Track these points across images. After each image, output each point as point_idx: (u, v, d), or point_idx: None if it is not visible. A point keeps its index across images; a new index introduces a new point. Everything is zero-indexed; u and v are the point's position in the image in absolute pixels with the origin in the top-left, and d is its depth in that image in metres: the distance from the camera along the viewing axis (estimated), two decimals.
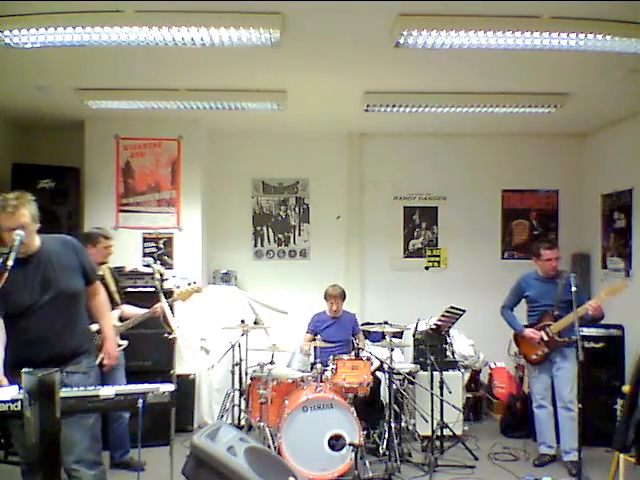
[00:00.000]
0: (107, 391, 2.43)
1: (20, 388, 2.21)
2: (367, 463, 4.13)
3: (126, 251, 5.37)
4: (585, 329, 4.75)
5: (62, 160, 5.54)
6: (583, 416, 3.78)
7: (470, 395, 5.50)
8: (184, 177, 5.64)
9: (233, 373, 4.74)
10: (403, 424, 4.75)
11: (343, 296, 5.10)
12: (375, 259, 6.37)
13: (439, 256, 6.44)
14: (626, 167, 5.48)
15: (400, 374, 4.78)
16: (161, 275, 3.81)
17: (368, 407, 4.62)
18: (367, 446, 4.43)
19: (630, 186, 5.38)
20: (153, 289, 3.64)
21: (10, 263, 2.59)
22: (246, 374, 4.69)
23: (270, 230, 6.35)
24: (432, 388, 4.59)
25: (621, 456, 3.54)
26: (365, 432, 4.39)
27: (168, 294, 4.11)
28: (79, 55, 3.86)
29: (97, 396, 2.41)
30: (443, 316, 4.78)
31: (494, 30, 3.31)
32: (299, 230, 6.37)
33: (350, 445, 3.85)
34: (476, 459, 4.51)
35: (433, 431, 4.50)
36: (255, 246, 6.34)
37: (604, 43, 3.42)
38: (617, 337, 4.89)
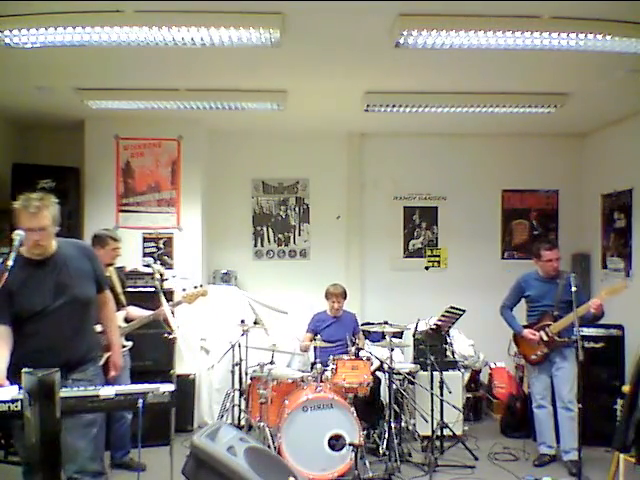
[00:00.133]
0: (107, 391, 2.43)
1: (20, 388, 2.21)
2: (367, 463, 4.13)
3: (126, 251, 5.29)
4: (585, 329, 4.75)
5: (62, 160, 5.54)
6: (583, 416, 3.79)
7: (470, 395, 5.50)
8: (184, 177, 5.64)
9: (233, 373, 4.74)
10: (403, 424, 4.76)
11: (344, 295, 5.11)
12: (375, 259, 6.37)
13: (439, 256, 6.44)
14: (626, 167, 5.48)
15: (400, 374, 4.78)
16: (161, 275, 3.82)
17: (368, 407, 4.62)
18: (367, 446, 4.43)
19: (630, 186, 5.38)
20: (153, 289, 3.63)
21: (10, 263, 2.59)
22: (246, 374, 4.69)
23: (270, 230, 6.35)
24: (432, 388, 4.59)
25: (621, 456, 3.54)
26: (365, 432, 4.39)
27: (168, 294, 4.11)
28: (79, 55, 3.86)
29: (97, 396, 2.41)
30: (443, 316, 4.78)
31: (494, 30, 3.31)
32: (299, 230, 6.37)
33: (350, 445, 3.85)
34: (476, 459, 4.51)
35: (433, 431, 4.50)
36: (255, 246, 6.34)
37: (604, 43, 3.42)
38: (617, 337, 4.89)
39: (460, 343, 5.54)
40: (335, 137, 6.29)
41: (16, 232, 2.72)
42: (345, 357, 4.42)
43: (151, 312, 4.09)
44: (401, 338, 5.50)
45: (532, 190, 6.46)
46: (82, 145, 5.54)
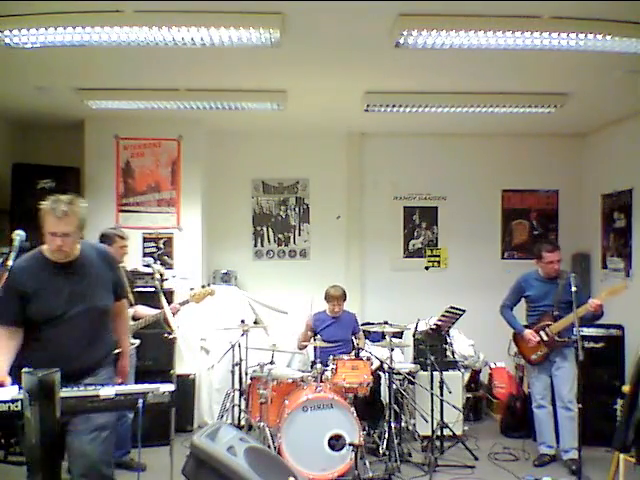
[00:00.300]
0: (107, 391, 2.43)
1: (20, 388, 2.21)
2: (367, 463, 4.13)
3: None
4: (585, 329, 4.75)
5: (62, 160, 5.54)
6: (583, 416, 3.79)
7: (470, 395, 5.50)
8: (184, 177, 5.64)
9: (233, 373, 4.74)
10: (403, 424, 4.75)
11: (344, 297, 5.09)
12: (375, 259, 6.37)
13: (439, 256, 6.44)
14: (626, 167, 5.48)
15: (400, 374, 4.78)
16: (161, 275, 3.81)
17: (368, 407, 4.62)
18: (367, 446, 4.43)
19: (630, 186, 5.38)
20: (153, 289, 3.63)
21: (10, 263, 2.58)
22: (246, 374, 4.69)
23: (270, 230, 6.35)
24: (432, 388, 4.59)
25: (621, 456, 3.54)
26: (365, 432, 4.39)
27: (168, 294, 4.12)
28: (79, 55, 3.86)
29: (97, 396, 2.41)
30: (443, 316, 4.78)
31: (494, 30, 3.31)
32: (299, 230, 6.37)
33: (350, 445, 3.85)
34: (476, 459, 4.51)
35: (433, 431, 4.49)
36: (255, 246, 6.34)
37: (604, 43, 3.42)
38: (617, 337, 4.89)
39: (460, 343, 5.54)
40: (335, 137, 6.29)
41: (16, 232, 2.71)
42: (345, 357, 4.42)
43: (157, 311, 4.09)
44: (401, 338, 5.50)
45: (532, 190, 6.46)
46: (82, 145, 5.54)
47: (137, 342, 4.16)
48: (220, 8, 3.19)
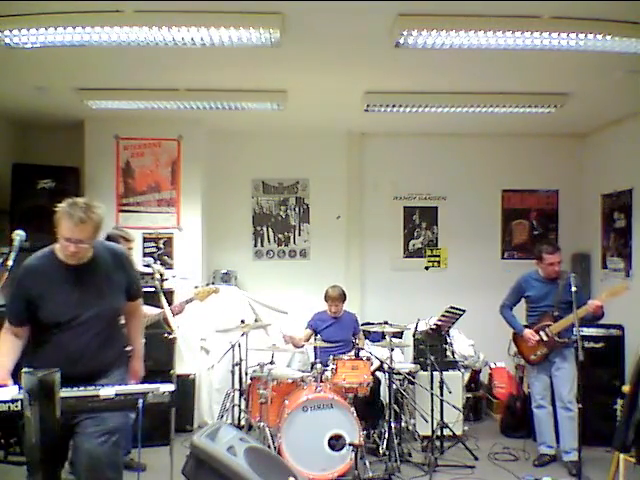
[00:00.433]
0: (107, 391, 2.43)
1: (20, 388, 2.21)
2: (367, 463, 4.13)
3: None
4: (585, 329, 4.75)
5: (62, 160, 5.53)
6: (583, 416, 3.79)
7: (470, 395, 5.50)
8: (184, 177, 5.64)
9: (233, 373, 4.74)
10: (403, 424, 4.75)
11: (343, 298, 5.09)
12: (375, 259, 6.37)
13: (439, 256, 6.44)
14: (626, 167, 5.48)
15: (400, 374, 4.78)
16: (161, 275, 3.80)
17: (368, 407, 4.62)
18: (367, 446, 4.43)
19: (630, 186, 5.38)
20: (153, 289, 3.63)
21: (10, 263, 2.58)
22: (246, 374, 4.69)
23: (270, 230, 6.35)
24: (432, 388, 4.59)
25: (621, 456, 3.54)
26: (365, 432, 4.39)
27: (168, 294, 4.12)
28: (79, 55, 3.86)
29: (97, 396, 2.41)
30: (443, 316, 4.78)
31: (494, 30, 3.31)
32: (299, 230, 6.37)
33: (350, 445, 3.85)
34: (476, 459, 4.51)
35: (433, 431, 4.50)
36: (255, 246, 6.34)
37: (604, 43, 3.42)
38: (617, 337, 4.89)
39: (460, 343, 5.54)
40: (335, 137, 6.28)
41: (16, 232, 2.70)
42: (345, 357, 4.42)
43: (160, 310, 4.09)
44: (401, 338, 5.50)
45: (532, 190, 6.45)
46: (82, 145, 5.54)
47: (142, 341, 4.15)
48: (220, 8, 3.19)
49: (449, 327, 4.88)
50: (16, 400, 2.24)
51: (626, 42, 3.41)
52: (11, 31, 3.31)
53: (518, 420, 5.10)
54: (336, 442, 3.98)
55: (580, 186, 6.38)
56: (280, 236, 6.36)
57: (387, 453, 4.26)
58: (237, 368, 4.69)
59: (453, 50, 3.56)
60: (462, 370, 5.16)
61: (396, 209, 6.41)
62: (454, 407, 4.72)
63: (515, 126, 5.93)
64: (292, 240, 6.36)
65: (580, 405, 3.77)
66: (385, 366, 4.46)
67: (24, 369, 2.20)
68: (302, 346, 5.13)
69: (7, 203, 5.21)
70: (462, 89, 4.75)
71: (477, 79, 4.49)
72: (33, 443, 2.13)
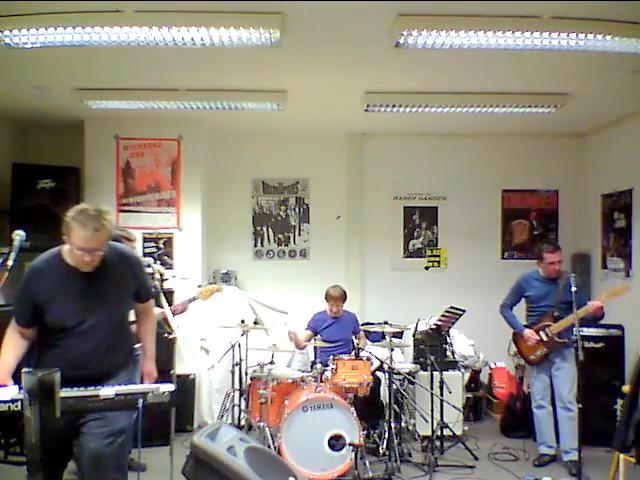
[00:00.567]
0: (107, 391, 2.43)
1: (20, 388, 2.21)
2: (367, 463, 4.13)
3: None
4: (585, 329, 4.75)
5: (62, 160, 5.53)
6: (583, 416, 3.78)
7: (470, 395, 5.50)
8: (184, 177, 5.64)
9: (233, 373, 4.74)
10: (403, 424, 4.76)
11: (344, 297, 5.09)
12: (375, 259, 6.37)
13: (439, 256, 6.44)
14: (626, 167, 5.48)
15: (400, 374, 4.78)
16: (161, 275, 3.81)
17: (368, 407, 4.62)
18: (367, 446, 4.43)
19: (630, 186, 5.38)
20: (153, 289, 3.63)
21: (10, 263, 2.57)
22: (246, 374, 4.69)
23: (270, 230, 6.35)
24: (432, 388, 4.59)
25: (621, 456, 3.54)
26: (365, 432, 4.39)
27: (168, 294, 4.12)
28: (79, 55, 3.86)
29: (97, 396, 2.41)
30: (443, 316, 4.78)
31: (494, 30, 3.31)
32: (299, 230, 6.37)
33: (350, 445, 3.85)
34: (476, 459, 4.51)
35: (433, 431, 4.50)
36: (255, 246, 6.34)
37: (604, 43, 3.42)
38: (617, 337, 4.89)
39: (460, 343, 5.54)
40: (335, 137, 6.29)
41: (16, 232, 2.70)
42: (345, 357, 4.42)
43: (161, 310, 4.09)
44: (401, 338, 5.50)
45: (532, 190, 6.45)
46: (82, 145, 5.54)
47: (154, 341, 4.13)
48: (220, 8, 3.19)
49: (449, 327, 4.88)
50: (16, 400, 2.24)
51: (626, 42, 3.41)
52: (11, 31, 3.30)
53: (518, 420, 5.10)
54: (336, 442, 3.98)
55: (580, 186, 6.38)
56: (280, 236, 6.36)
57: (387, 453, 4.26)
58: (237, 368, 4.69)
59: (453, 50, 3.56)
60: (462, 370, 5.16)
61: (396, 209, 6.42)
62: (454, 407, 4.72)
63: (515, 126, 5.93)
64: (292, 240, 6.36)
65: (580, 405, 3.77)
66: (385, 366, 4.46)
67: (24, 369, 2.20)
68: (304, 347, 5.13)
69: (7, 203, 5.21)
70: (462, 89, 4.75)
71: (477, 79, 4.49)
72: (33, 443, 2.13)
